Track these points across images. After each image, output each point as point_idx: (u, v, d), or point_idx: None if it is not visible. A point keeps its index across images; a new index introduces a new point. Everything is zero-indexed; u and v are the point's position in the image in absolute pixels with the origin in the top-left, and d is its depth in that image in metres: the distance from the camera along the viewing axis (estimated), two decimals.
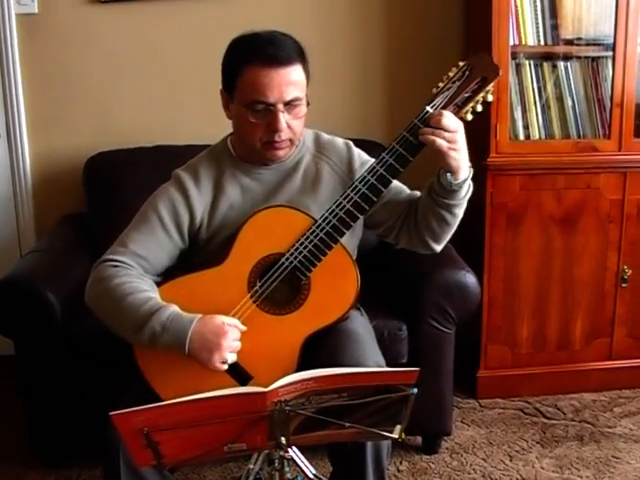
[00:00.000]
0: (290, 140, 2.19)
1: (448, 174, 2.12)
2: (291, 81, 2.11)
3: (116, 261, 2.16)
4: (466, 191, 2.19)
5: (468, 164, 2.15)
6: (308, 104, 2.19)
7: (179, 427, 1.64)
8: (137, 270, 2.17)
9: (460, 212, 2.23)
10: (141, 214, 2.25)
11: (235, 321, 2.09)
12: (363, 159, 2.34)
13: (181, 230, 2.23)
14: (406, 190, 2.38)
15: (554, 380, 3.60)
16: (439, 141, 2.04)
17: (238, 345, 2.08)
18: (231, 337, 2.06)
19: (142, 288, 2.12)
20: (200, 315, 2.06)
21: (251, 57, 2.09)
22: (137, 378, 2.13)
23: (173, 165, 2.33)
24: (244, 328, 2.10)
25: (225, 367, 2.07)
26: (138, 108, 3.68)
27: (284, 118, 2.12)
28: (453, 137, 2.06)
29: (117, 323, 2.11)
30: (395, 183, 2.30)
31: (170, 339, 2.03)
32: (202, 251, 2.25)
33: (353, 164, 2.33)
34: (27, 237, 3.78)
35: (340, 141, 2.39)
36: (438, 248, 2.33)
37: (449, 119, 2.05)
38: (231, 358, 2.07)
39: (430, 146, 2.06)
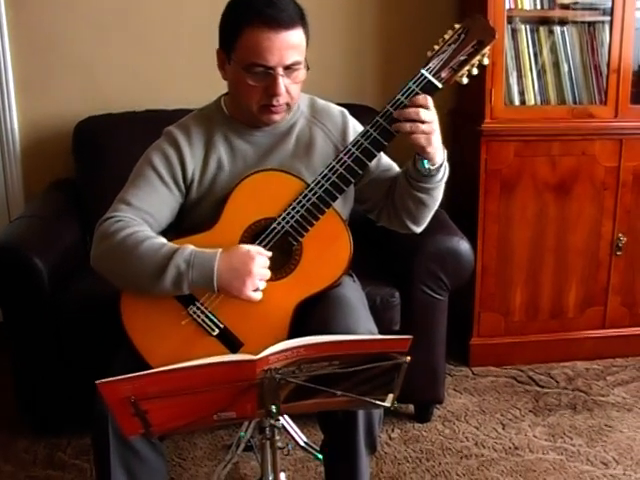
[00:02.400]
0: (287, 104, 2.16)
1: (425, 161, 2.11)
2: (292, 44, 2.07)
3: (120, 216, 2.12)
4: (443, 174, 2.17)
5: (442, 147, 2.13)
6: (308, 68, 2.15)
7: (167, 395, 1.63)
8: (143, 225, 2.13)
9: (439, 194, 2.22)
10: (137, 171, 2.22)
11: (259, 248, 2.07)
12: (357, 129, 2.31)
13: (177, 182, 2.19)
14: (395, 168, 2.35)
15: (547, 348, 3.60)
16: (417, 136, 2.03)
17: (268, 273, 2.06)
18: (259, 263, 2.03)
19: (154, 235, 2.09)
20: (221, 248, 2.03)
21: (252, 18, 2.04)
22: (125, 345, 2.10)
23: (163, 129, 2.30)
24: (269, 253, 2.08)
25: (259, 296, 2.04)
26: (127, 72, 3.63)
27: (283, 82, 2.09)
28: (430, 127, 2.04)
29: (133, 273, 2.05)
30: (385, 160, 2.33)
31: (197, 275, 2.00)
32: (192, 214, 2.23)
33: (347, 133, 2.30)
34: (16, 203, 3.74)
35: (336, 108, 2.36)
36: (418, 230, 2.32)
37: (425, 112, 2.03)
38: (262, 285, 2.05)
39: (407, 138, 2.04)
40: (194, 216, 2.21)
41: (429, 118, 2.03)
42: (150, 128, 2.63)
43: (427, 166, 2.11)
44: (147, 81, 3.64)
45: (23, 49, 3.58)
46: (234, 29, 2.08)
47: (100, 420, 1.98)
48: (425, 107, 2.03)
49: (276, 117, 2.17)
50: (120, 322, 2.10)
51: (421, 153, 2.09)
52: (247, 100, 2.13)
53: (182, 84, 3.60)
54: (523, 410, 3.20)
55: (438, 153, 2.10)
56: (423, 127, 2.02)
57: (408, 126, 2.02)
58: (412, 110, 2.02)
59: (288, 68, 2.08)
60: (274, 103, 2.11)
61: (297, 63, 2.09)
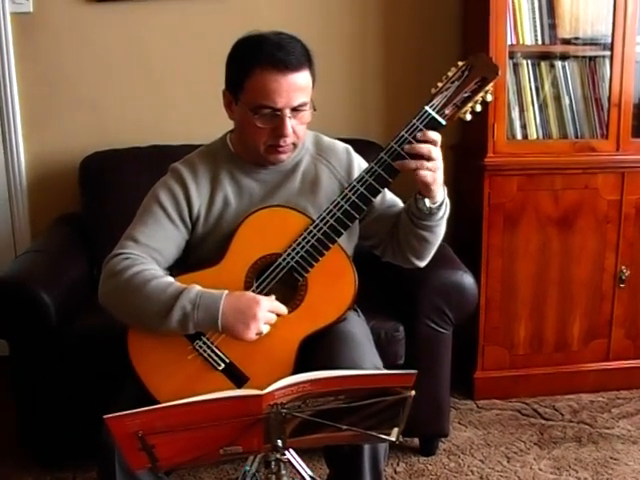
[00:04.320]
0: (293, 144, 2.18)
1: (427, 199, 2.13)
2: (299, 86, 2.09)
3: (127, 254, 2.13)
4: (444, 211, 2.19)
5: (443, 184, 2.16)
6: (315, 109, 2.17)
7: (174, 430, 1.63)
8: (151, 262, 2.15)
9: (441, 231, 2.24)
10: (144, 208, 2.23)
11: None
12: (362, 166, 2.32)
13: (183, 219, 2.21)
14: (399, 204, 2.37)
15: (552, 381, 3.59)
16: (423, 172, 2.05)
17: (273, 317, 2.06)
18: (265, 307, 2.04)
19: (161, 274, 2.11)
20: (228, 290, 2.05)
21: (260, 61, 2.07)
22: (132, 380, 2.11)
23: (168, 165, 2.31)
24: (273, 298, 2.09)
25: (255, 337, 2.05)
26: (133, 108, 3.66)
27: (290, 123, 2.11)
28: (435, 165, 2.07)
29: (140, 312, 2.06)
30: (389, 196, 2.35)
31: (202, 316, 2.01)
32: (198, 250, 2.24)
33: (352, 169, 2.32)
34: (22, 238, 3.76)
35: (340, 145, 2.38)
36: (421, 264, 2.34)
37: (434, 150, 2.06)
38: (265, 330, 2.05)
39: (413, 175, 2.07)
40: (200, 252, 2.23)
41: (436, 155, 2.06)
42: (155, 163, 2.66)
43: (428, 205, 2.13)
44: (152, 117, 3.67)
45: (30, 84, 3.62)
46: (242, 71, 2.10)
47: (106, 453, 1.98)
48: (435, 144, 2.05)
49: (283, 157, 2.19)
50: (127, 357, 2.11)
51: (424, 191, 2.11)
52: (254, 140, 2.16)
53: (187, 120, 3.63)
54: (528, 443, 3.19)
55: (440, 191, 2.13)
56: (429, 164, 2.05)
57: (414, 164, 2.04)
58: (424, 146, 2.05)
59: (295, 109, 2.10)
60: (281, 143, 2.13)
61: (304, 104, 2.12)
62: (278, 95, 2.07)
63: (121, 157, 3.49)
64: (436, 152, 2.06)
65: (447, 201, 2.19)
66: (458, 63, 2.10)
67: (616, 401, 3.56)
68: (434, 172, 2.06)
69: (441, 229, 2.22)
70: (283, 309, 2.09)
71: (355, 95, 3.76)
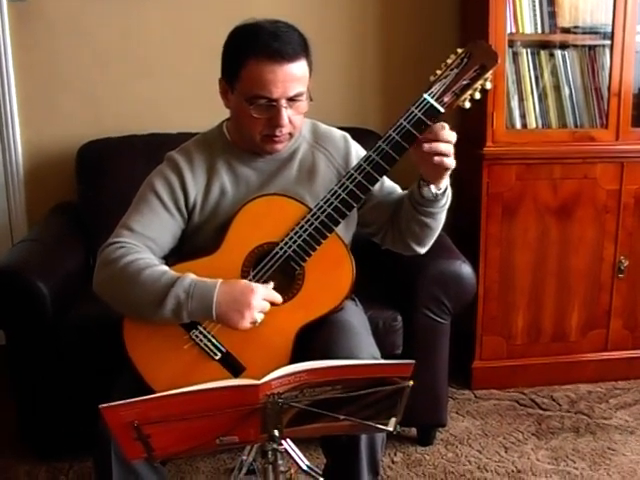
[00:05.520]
0: (290, 134, 2.17)
1: (432, 186, 2.12)
2: (295, 76, 2.08)
3: (122, 242, 2.12)
4: (447, 198, 2.18)
5: None
6: (311, 99, 2.15)
7: (170, 420, 1.62)
8: (146, 251, 2.14)
9: (443, 217, 2.23)
10: (140, 197, 2.22)
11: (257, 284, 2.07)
12: (360, 154, 2.31)
13: (179, 208, 2.20)
14: (397, 190, 2.36)
15: (550, 371, 3.59)
16: (443, 159, 2.03)
17: (267, 305, 2.05)
18: (259, 296, 2.03)
19: (156, 263, 2.10)
20: (222, 279, 2.03)
21: (255, 51, 2.05)
22: (128, 370, 2.10)
23: (165, 153, 2.30)
24: (271, 286, 2.08)
25: (250, 326, 2.04)
26: (130, 96, 3.64)
27: (286, 113, 2.10)
28: (449, 149, 2.05)
29: (134, 301, 2.06)
30: (388, 183, 2.34)
31: (196, 305, 2.00)
32: (194, 238, 2.23)
33: (350, 157, 2.31)
34: (19, 226, 3.75)
35: (338, 133, 2.37)
36: (422, 251, 2.32)
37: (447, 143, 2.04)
38: (260, 318, 2.04)
39: (425, 162, 2.05)
40: (197, 241, 2.21)
41: (449, 148, 2.05)
42: (152, 152, 2.64)
43: (434, 191, 2.12)
44: (149, 105, 3.65)
45: (26, 73, 3.60)
46: (237, 60, 2.09)
47: (102, 443, 1.98)
48: (448, 141, 2.04)
49: (279, 146, 2.18)
50: (123, 347, 2.10)
51: (435, 177, 2.10)
52: (250, 130, 2.14)
53: (184, 108, 3.61)
54: (526, 433, 3.19)
55: (445, 178, 2.11)
56: (445, 159, 2.03)
57: (444, 147, 2.02)
58: (444, 146, 2.02)
59: (291, 99, 2.09)
60: (277, 133, 2.12)
61: (300, 94, 2.10)
62: (274, 85, 2.05)
63: (118, 145, 3.47)
64: (449, 143, 2.05)
65: (449, 188, 2.18)
66: (457, 50, 2.08)
67: (614, 391, 3.56)
68: (448, 157, 2.04)
69: (443, 215, 2.22)
70: (278, 297, 2.07)
71: (353, 83, 3.75)
